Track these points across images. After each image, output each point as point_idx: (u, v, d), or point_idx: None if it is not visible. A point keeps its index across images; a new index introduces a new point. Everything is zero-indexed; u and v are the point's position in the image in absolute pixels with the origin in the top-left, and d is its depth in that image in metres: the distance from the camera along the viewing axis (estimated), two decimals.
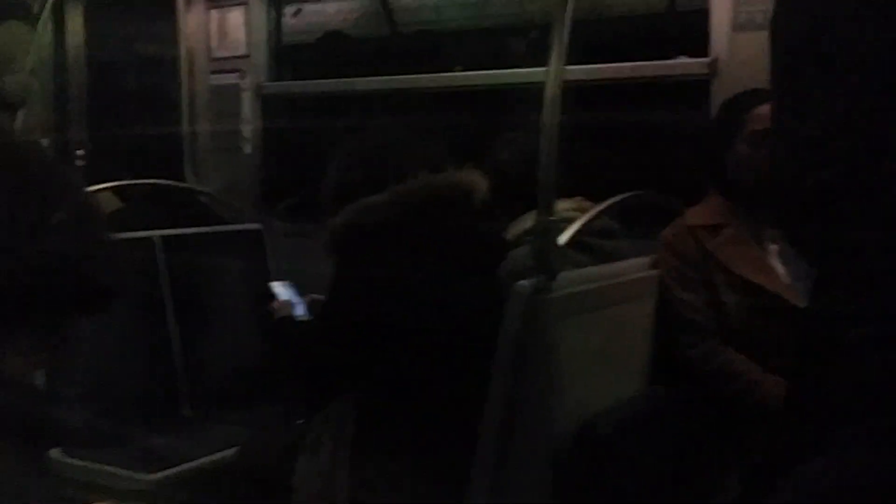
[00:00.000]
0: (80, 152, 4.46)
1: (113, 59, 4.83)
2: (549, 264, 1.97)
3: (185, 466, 2.66)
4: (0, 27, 3.05)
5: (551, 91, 1.96)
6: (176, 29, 4.05)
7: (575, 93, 3.08)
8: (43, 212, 1.10)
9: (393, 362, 2.10)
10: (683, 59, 2.98)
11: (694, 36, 2.93)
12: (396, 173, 2.20)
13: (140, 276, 3.06)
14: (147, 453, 2.70)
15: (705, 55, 2.87)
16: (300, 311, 2.45)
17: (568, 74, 2.02)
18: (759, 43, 2.70)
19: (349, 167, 2.28)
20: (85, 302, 1.18)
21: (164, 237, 3.17)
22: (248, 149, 3.89)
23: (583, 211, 2.43)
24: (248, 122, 3.89)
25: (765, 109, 2.34)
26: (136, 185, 3.46)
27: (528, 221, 2.38)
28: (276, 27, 4.02)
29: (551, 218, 1.97)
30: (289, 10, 4.31)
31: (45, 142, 4.15)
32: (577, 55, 2.83)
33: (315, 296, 2.47)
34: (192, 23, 4.00)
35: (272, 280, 2.71)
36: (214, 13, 3.98)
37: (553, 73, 1.97)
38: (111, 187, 3.29)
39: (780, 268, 2.37)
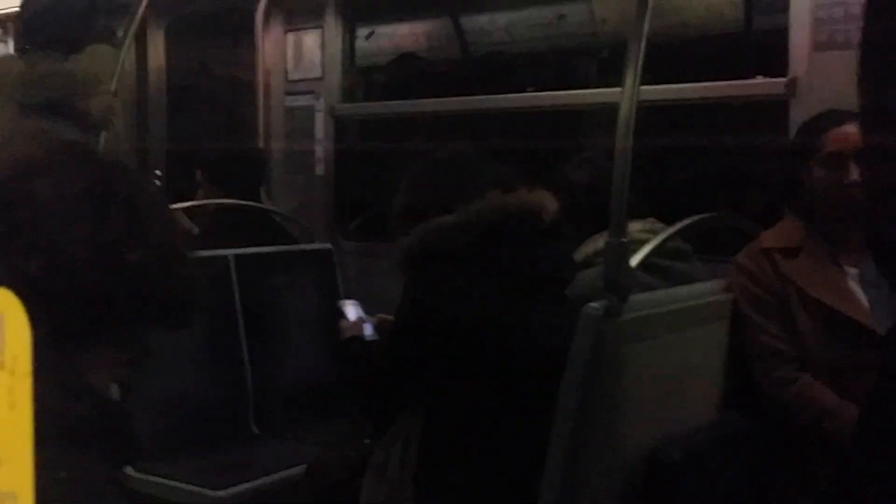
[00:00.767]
0: (158, 172, 4.58)
1: (193, 82, 4.96)
2: (620, 286, 1.94)
3: (254, 483, 2.68)
4: (86, 51, 3.14)
5: (625, 112, 1.93)
6: (254, 52, 4.14)
7: (650, 113, 3.05)
8: (128, 226, 1.12)
9: (460, 383, 2.08)
10: (761, 79, 2.92)
11: (772, 55, 2.88)
12: (466, 194, 2.19)
13: (214, 294, 3.11)
14: (216, 470, 2.73)
15: (784, 75, 2.80)
16: (368, 330, 2.46)
17: (642, 94, 1.99)
18: (838, 62, 2.67)
19: (419, 187, 2.28)
20: (165, 316, 1.20)
21: (237, 256, 3.23)
22: (320, 169, 3.94)
23: (655, 233, 2.40)
24: (322, 143, 3.94)
25: (842, 131, 2.29)
26: (212, 204, 3.52)
27: (598, 243, 2.36)
28: (350, 50, 4.07)
29: (623, 239, 1.94)
30: (362, 32, 4.37)
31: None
32: (652, 75, 2.82)
33: (383, 315, 2.48)
34: (269, 46, 4.08)
35: (341, 299, 2.73)
36: (291, 36, 4.05)
37: (627, 94, 1.94)
38: (189, 206, 3.36)
39: (858, 292, 2.30)
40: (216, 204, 3.53)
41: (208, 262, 3.12)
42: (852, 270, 2.34)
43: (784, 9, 2.82)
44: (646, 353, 2.03)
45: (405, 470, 2.13)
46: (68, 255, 1.05)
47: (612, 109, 1.97)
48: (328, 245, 3.68)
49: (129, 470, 2.63)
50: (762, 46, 3.20)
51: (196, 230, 3.32)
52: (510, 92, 3.78)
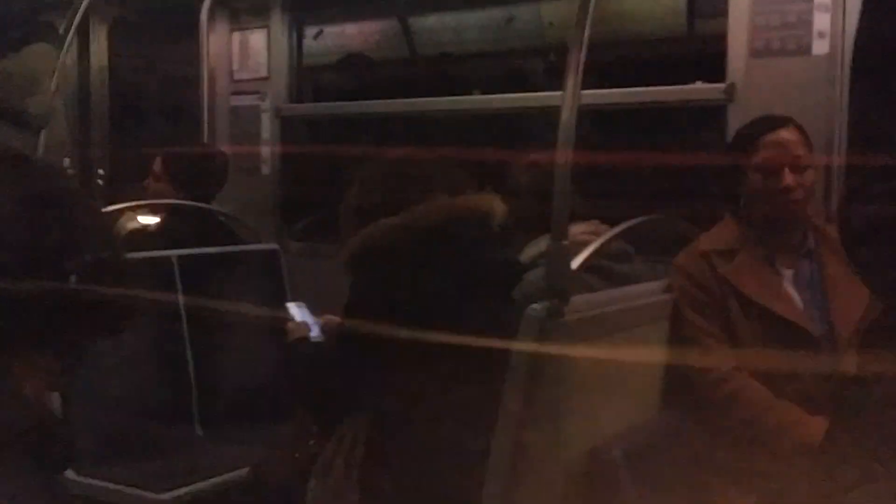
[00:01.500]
0: (101, 171, 4.52)
1: (136, 80, 4.90)
2: (562, 288, 1.97)
3: (198, 486, 2.67)
4: (26, 49, 3.10)
5: (566, 115, 1.96)
6: (198, 50, 4.10)
7: (592, 116, 3.10)
8: (64, 233, 1.12)
9: (405, 384, 2.10)
10: (700, 84, 2.97)
11: (711, 61, 2.93)
12: (413, 195, 2.21)
13: (157, 296, 3.08)
14: (159, 473, 2.71)
15: (722, 80, 2.86)
16: (315, 332, 2.46)
17: (584, 99, 2.02)
18: (775, 69, 2.73)
19: (367, 189, 2.29)
20: (102, 322, 1.19)
21: (181, 257, 3.20)
22: (266, 169, 3.93)
23: (598, 235, 2.43)
24: (268, 143, 3.92)
25: (777, 136, 2.35)
26: (154, 204, 3.48)
27: (542, 245, 2.38)
28: (297, 49, 4.06)
29: (565, 242, 1.97)
30: (310, 32, 4.36)
31: (66, 161, 4.21)
32: (594, 79, 2.86)
33: (329, 316, 2.48)
34: (215, 44, 4.05)
35: (288, 300, 2.72)
36: (237, 35, 4.03)
37: (569, 98, 1.97)
38: (131, 207, 3.33)
39: (794, 294, 2.36)
40: (162, 204, 3.49)
41: (151, 262, 3.09)
42: (788, 272, 2.40)
43: (724, 14, 2.88)
44: (588, 352, 2.06)
45: (350, 471, 2.14)
46: (1, 262, 1.05)
47: (558, 112, 1.99)
48: (275, 245, 3.67)
49: (70, 474, 2.60)
50: (702, 51, 3.26)
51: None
52: (458, 94, 3.80)
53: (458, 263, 2.17)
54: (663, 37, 3.68)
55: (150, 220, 3.48)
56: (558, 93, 2.02)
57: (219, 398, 3.14)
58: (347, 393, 2.20)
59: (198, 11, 4.05)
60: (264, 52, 3.95)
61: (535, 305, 1.97)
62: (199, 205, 3.51)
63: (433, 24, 4.66)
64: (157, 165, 3.57)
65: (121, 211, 3.29)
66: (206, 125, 4.07)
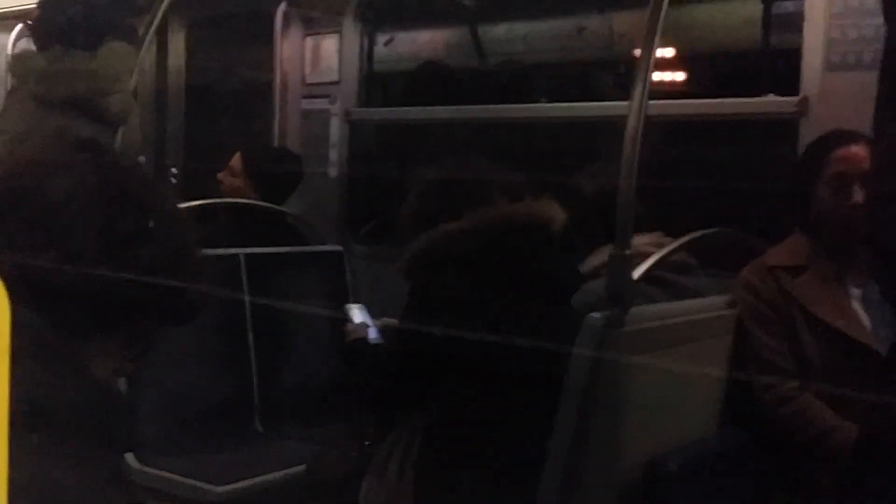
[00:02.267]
0: (174, 170, 4.62)
1: (211, 82, 5.01)
2: (622, 297, 1.96)
3: (254, 481, 2.71)
4: (105, 47, 3.17)
5: (632, 125, 1.96)
6: (272, 54, 4.17)
7: (661, 127, 3.07)
8: (139, 223, 1.16)
9: (462, 389, 2.10)
10: (773, 97, 2.93)
11: (785, 74, 2.88)
12: (473, 202, 2.21)
13: (223, 293, 3.14)
14: (218, 466, 2.76)
15: (795, 94, 2.81)
16: (373, 334, 2.48)
17: (652, 109, 2.01)
18: (850, 83, 2.68)
19: (427, 194, 2.30)
20: (171, 313, 1.22)
21: (248, 255, 3.25)
22: (333, 172, 3.97)
23: (661, 246, 2.41)
24: (336, 147, 3.97)
25: (848, 151, 2.30)
26: (225, 203, 3.55)
27: (605, 254, 2.37)
28: (368, 55, 4.10)
29: (627, 251, 1.96)
30: (381, 38, 4.40)
31: (142, 158, 4.31)
32: (663, 90, 2.83)
33: (388, 319, 2.50)
34: (287, 49, 4.12)
35: (350, 302, 2.75)
36: (309, 40, 4.09)
37: (635, 108, 1.96)
38: (202, 205, 3.39)
39: (862, 313, 2.31)
40: (231, 203, 3.55)
41: (219, 260, 3.15)
42: (856, 291, 2.34)
43: (799, 28, 2.83)
44: (646, 364, 2.04)
45: (405, 472, 2.15)
46: (78, 249, 1.09)
47: (625, 122, 1.99)
48: (339, 247, 3.71)
49: (132, 462, 2.66)
50: (776, 65, 3.21)
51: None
52: (526, 102, 3.80)
53: (517, 270, 2.17)
54: (737, 48, 3.63)
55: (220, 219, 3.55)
56: (625, 102, 2.01)
57: (279, 395, 3.18)
58: (402, 396, 2.21)
59: (273, 16, 4.12)
60: (336, 56, 4.00)
61: (594, 314, 1.96)
62: (268, 205, 3.57)
63: (503, 33, 4.67)
64: (235, 161, 3.65)
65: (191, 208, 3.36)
66: (277, 127, 4.14)
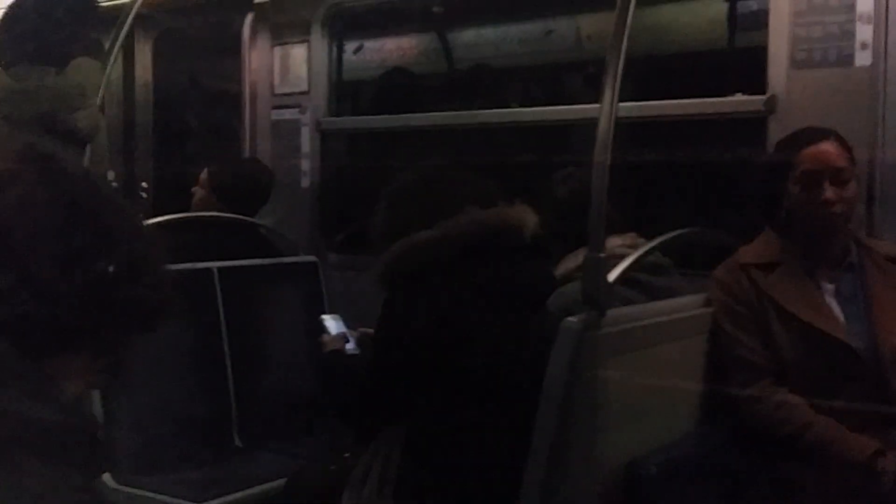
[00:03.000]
0: (144, 185, 4.59)
1: (179, 94, 4.97)
2: (598, 301, 1.96)
3: (234, 496, 2.69)
4: (73, 63, 3.15)
5: (603, 127, 1.96)
6: (240, 65, 4.15)
7: (631, 129, 3.08)
8: (96, 238, 1.14)
9: (440, 397, 2.10)
10: (740, 96, 2.95)
11: (752, 73, 2.90)
12: (446, 209, 2.21)
13: (198, 307, 3.11)
14: (197, 482, 2.73)
15: (763, 92, 2.84)
16: (350, 344, 2.47)
17: (622, 111, 2.01)
18: (817, 81, 2.70)
19: (399, 202, 2.30)
20: (135, 324, 1.21)
21: (221, 268, 3.23)
22: (306, 182, 3.96)
23: (635, 248, 2.42)
24: (307, 157, 3.96)
25: (818, 149, 2.32)
26: (196, 217, 3.53)
27: (579, 258, 2.37)
28: (337, 64, 4.09)
29: (601, 254, 1.96)
30: (350, 46, 4.39)
31: (111, 174, 4.28)
32: (632, 92, 2.84)
33: (365, 329, 2.49)
34: (256, 60, 4.10)
35: (325, 313, 2.74)
36: (277, 50, 4.07)
37: (605, 110, 1.97)
38: (173, 220, 3.37)
39: (835, 308, 2.33)
40: (202, 216, 3.53)
41: (191, 274, 3.12)
42: (829, 286, 2.36)
43: (764, 26, 2.85)
44: (624, 366, 2.05)
45: (385, 484, 2.14)
46: (35, 264, 1.07)
47: (595, 125, 1.99)
48: (313, 258, 3.70)
49: (108, 481, 2.63)
50: (742, 64, 3.23)
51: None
52: (496, 107, 3.80)
53: (491, 276, 2.17)
54: (703, 49, 3.65)
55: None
56: (596, 105, 2.02)
57: (257, 409, 3.16)
58: (382, 407, 2.20)
59: (240, 26, 4.10)
60: (304, 66, 3.99)
61: (571, 318, 1.96)
62: (241, 217, 3.55)
63: (472, 38, 4.68)
64: (203, 175, 3.64)
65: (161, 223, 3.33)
66: (247, 139, 4.12)
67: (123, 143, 4.64)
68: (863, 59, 2.65)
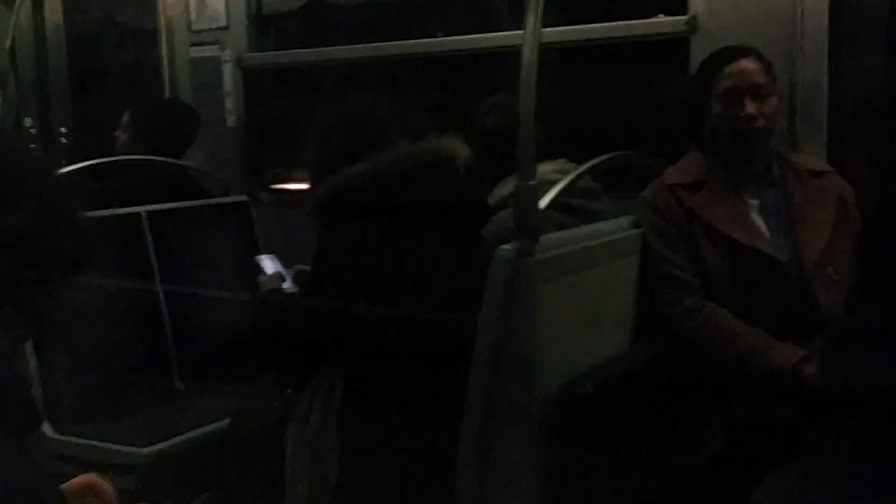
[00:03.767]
0: (63, 130, 4.46)
1: (93, 35, 4.81)
2: (531, 227, 1.98)
3: (178, 439, 2.69)
4: None
5: (528, 54, 1.96)
6: (154, 1, 4.02)
7: (555, 55, 3.08)
8: (6, 194, 1.12)
9: (378, 330, 2.11)
10: (662, 18, 2.97)
11: None
12: (376, 142, 2.20)
13: (128, 253, 3.07)
14: (140, 427, 2.73)
15: (684, 13, 2.86)
16: (287, 283, 2.47)
17: (545, 37, 2.01)
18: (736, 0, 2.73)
19: (329, 138, 2.28)
20: (55, 275, 1.19)
21: (150, 212, 3.18)
22: (231, 121, 3.89)
23: (566, 173, 2.44)
24: (231, 95, 3.88)
25: (738, 66, 2.36)
26: (121, 161, 3.45)
27: (510, 185, 2.39)
28: None
29: (532, 181, 1.98)
30: None
31: (28, 120, 4.14)
32: (556, 17, 2.84)
33: (301, 266, 2.48)
34: None
35: (260, 252, 2.72)
36: None
37: (529, 36, 1.96)
38: (93, 165, 3.29)
39: (760, 222, 2.39)
40: (128, 161, 3.45)
41: (120, 220, 3.07)
42: (754, 202, 2.42)
43: None
44: (559, 290, 2.08)
45: (328, 419, 2.16)
46: None
47: (520, 52, 1.99)
48: (244, 197, 3.65)
49: (48, 431, 2.61)
50: None
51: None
52: (420, 37, 3.76)
53: (424, 209, 2.17)
54: None
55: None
56: (520, 32, 2.01)
57: (197, 351, 3.15)
58: (320, 342, 2.21)
59: None
60: (222, 0, 3.88)
61: (504, 246, 1.98)
62: (166, 160, 3.48)
63: None
64: (125, 118, 3.55)
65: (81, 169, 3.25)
66: (167, 78, 4.01)
67: (39, 87, 4.49)
68: None
